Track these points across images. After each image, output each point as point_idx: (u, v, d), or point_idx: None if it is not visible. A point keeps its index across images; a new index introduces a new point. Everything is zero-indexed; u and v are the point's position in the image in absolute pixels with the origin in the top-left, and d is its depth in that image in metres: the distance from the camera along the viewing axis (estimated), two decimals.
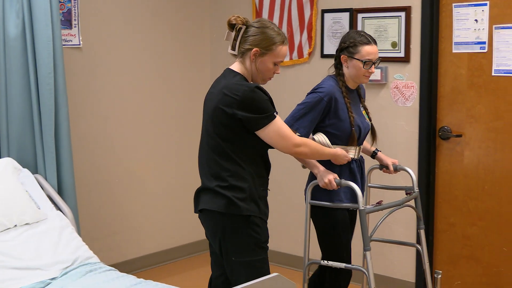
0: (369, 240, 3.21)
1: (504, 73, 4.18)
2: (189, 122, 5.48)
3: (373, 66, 3.41)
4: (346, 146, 3.42)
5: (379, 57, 3.44)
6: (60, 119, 4.09)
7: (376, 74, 4.56)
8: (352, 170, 3.47)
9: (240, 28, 3.00)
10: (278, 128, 2.98)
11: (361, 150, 3.55)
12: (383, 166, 3.72)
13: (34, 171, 4.07)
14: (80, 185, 4.60)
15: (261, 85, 3.05)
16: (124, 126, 5.02)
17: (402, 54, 4.53)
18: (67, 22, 4.56)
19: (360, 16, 4.69)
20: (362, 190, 3.43)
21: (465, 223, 4.31)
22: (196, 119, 5.48)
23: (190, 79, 5.48)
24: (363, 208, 3.22)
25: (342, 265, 3.33)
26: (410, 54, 4.51)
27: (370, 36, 3.44)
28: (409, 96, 4.52)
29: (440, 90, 4.43)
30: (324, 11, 4.86)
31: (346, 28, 4.72)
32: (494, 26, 4.20)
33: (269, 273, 2.95)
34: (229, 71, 3.08)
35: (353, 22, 4.71)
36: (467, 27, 4.29)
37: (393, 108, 4.51)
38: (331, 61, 3.42)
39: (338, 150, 3.36)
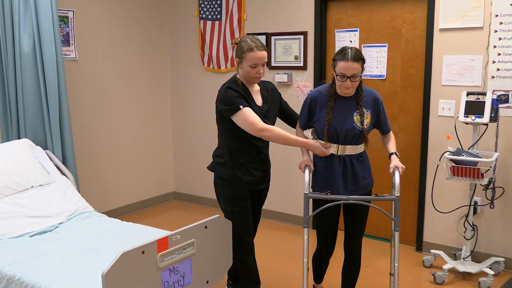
0: (307, 219, 2.77)
1: (369, 77, 4.29)
2: (152, 110, 5.44)
3: (348, 80, 2.70)
4: (327, 142, 2.84)
5: (356, 74, 2.69)
6: (63, 111, 4.03)
7: (283, 78, 4.63)
8: (332, 164, 2.84)
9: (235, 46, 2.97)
10: (243, 116, 2.80)
11: (347, 149, 2.82)
12: None
13: (45, 148, 4.01)
14: (79, 157, 4.57)
15: (238, 85, 2.90)
16: (109, 115, 4.95)
17: (301, 64, 4.58)
18: (66, 41, 4.47)
19: (273, 38, 4.71)
20: (356, 184, 2.85)
21: None
22: (156, 108, 5.49)
23: (154, 82, 5.42)
24: (306, 192, 2.77)
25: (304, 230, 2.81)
26: (307, 64, 4.56)
27: (352, 52, 2.69)
28: (306, 93, 4.58)
29: None
30: (248, 34, 4.83)
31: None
32: (362, 45, 4.30)
33: (237, 224, 2.98)
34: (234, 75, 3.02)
35: (269, 42, 4.73)
36: (344, 45, 4.38)
37: (296, 101, 4.55)
38: None
39: (311, 141, 2.86)
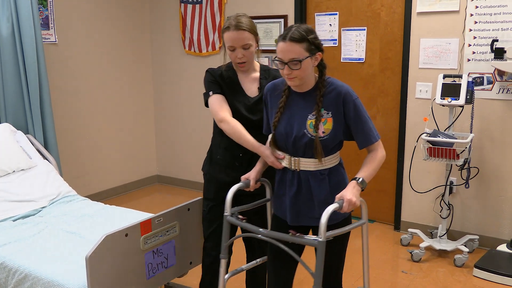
0: (225, 248, 2.16)
1: (349, 60, 4.29)
2: (134, 93, 5.39)
3: (286, 67, 1.92)
4: (277, 150, 2.12)
5: (295, 59, 1.90)
6: (44, 95, 3.96)
7: (264, 61, 4.60)
8: (283, 180, 2.11)
9: None
10: (210, 104, 2.41)
11: (301, 163, 2.03)
12: None
13: (26, 132, 3.95)
14: (60, 141, 4.51)
15: (223, 69, 2.48)
16: (90, 98, 4.89)
17: None
18: (45, 24, 4.38)
19: (254, 21, 4.67)
20: (311, 211, 2.04)
21: None
22: (138, 92, 5.43)
23: (135, 66, 5.35)
24: (226, 214, 2.11)
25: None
26: None
27: (295, 31, 1.90)
28: None
29: None
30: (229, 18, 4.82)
31: None
32: (342, 28, 4.29)
33: (210, 224, 2.57)
34: None
35: None
36: (324, 29, 4.36)
37: None
38: None
39: (263, 147, 2.18)
